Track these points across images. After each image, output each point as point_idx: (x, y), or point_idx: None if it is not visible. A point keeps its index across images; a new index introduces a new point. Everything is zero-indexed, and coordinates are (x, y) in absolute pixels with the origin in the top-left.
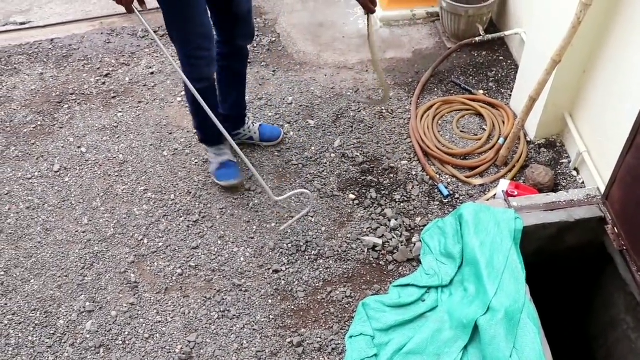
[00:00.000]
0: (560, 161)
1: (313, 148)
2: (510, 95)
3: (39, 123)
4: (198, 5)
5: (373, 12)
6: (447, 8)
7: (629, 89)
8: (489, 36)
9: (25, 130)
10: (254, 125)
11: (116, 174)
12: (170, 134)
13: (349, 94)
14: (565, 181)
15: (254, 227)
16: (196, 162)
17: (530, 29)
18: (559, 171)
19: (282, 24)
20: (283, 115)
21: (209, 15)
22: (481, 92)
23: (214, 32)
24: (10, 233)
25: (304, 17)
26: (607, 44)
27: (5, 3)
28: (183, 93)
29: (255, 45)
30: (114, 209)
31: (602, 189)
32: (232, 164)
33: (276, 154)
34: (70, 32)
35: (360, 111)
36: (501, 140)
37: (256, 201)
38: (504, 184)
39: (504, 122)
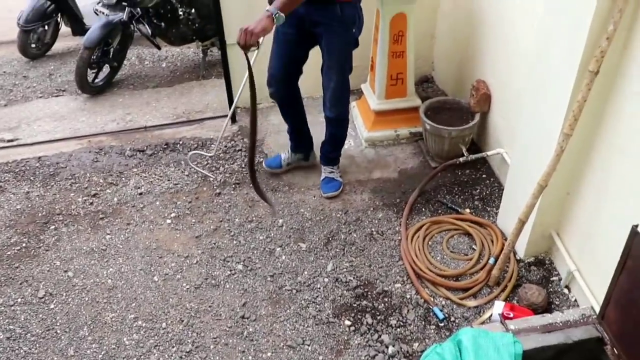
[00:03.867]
0: (551, 279)
1: (306, 272)
2: (497, 213)
3: (24, 245)
4: None
5: (239, 44)
6: (431, 130)
7: (613, 212)
8: (472, 156)
9: (9, 253)
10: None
11: (105, 300)
12: (161, 258)
13: (338, 215)
14: (557, 299)
15: (249, 357)
16: (187, 288)
17: (513, 152)
18: (551, 289)
19: (269, 144)
20: (274, 239)
21: None
22: (468, 210)
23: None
24: None
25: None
26: (589, 168)
27: None
28: (173, 215)
29: (242, 166)
30: (102, 339)
31: (597, 308)
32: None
33: (269, 279)
34: (58, 150)
35: (351, 233)
36: (492, 260)
37: (251, 329)
38: (499, 306)
39: (492, 241)
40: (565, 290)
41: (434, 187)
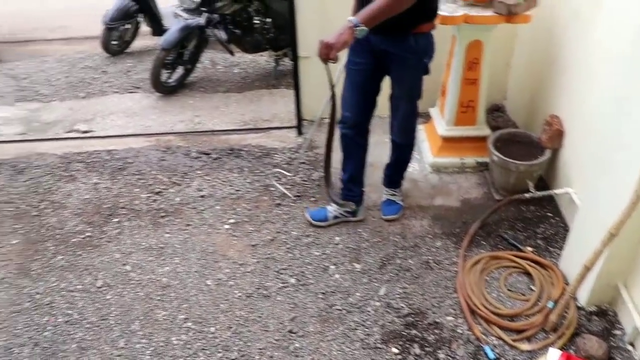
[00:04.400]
0: (614, 332)
1: (358, 294)
2: (559, 255)
3: (88, 234)
4: None
5: (320, 57)
6: (498, 162)
7: None
8: (539, 193)
9: (74, 240)
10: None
11: (158, 297)
12: (216, 262)
13: (396, 239)
14: (620, 356)
15: None
16: (239, 296)
17: (583, 194)
18: (613, 344)
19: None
20: (329, 256)
21: None
22: (529, 249)
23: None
24: (45, 347)
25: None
26: None
27: (73, 111)
28: (231, 220)
29: (305, 179)
30: (151, 335)
31: None
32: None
33: (320, 296)
34: (128, 145)
35: (407, 259)
36: (550, 304)
37: (297, 345)
38: (554, 354)
39: (553, 284)
40: (630, 347)
41: (496, 221)
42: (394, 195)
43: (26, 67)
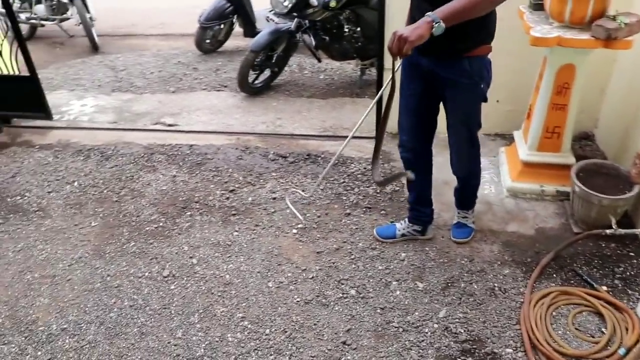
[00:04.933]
0: None
1: (417, 313)
2: (638, 299)
3: (161, 224)
4: None
5: (390, 51)
6: (580, 193)
7: None
8: (622, 230)
9: (148, 229)
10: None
11: (219, 293)
12: (279, 265)
13: (463, 261)
14: None
15: None
16: (297, 301)
17: None
18: None
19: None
20: (393, 272)
21: None
22: (605, 288)
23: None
24: (109, 327)
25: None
26: None
27: (162, 104)
28: (300, 226)
29: (377, 191)
30: (208, 329)
31: None
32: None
33: (378, 311)
34: (209, 142)
35: (472, 284)
36: (622, 351)
37: (349, 357)
38: None
39: (627, 329)
40: None
41: (572, 254)
42: (466, 217)
43: (125, 60)
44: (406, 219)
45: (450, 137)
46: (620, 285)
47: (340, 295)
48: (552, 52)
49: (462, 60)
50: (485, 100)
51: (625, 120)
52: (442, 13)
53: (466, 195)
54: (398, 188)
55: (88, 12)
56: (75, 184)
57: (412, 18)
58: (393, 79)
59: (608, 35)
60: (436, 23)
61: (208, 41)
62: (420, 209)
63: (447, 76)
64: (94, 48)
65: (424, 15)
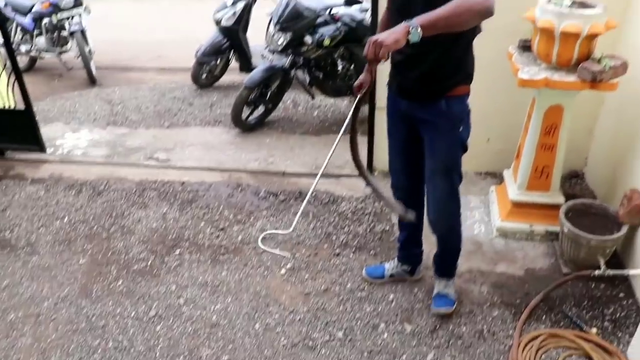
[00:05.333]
0: None
1: (404, 357)
2: (629, 342)
3: (150, 262)
4: None
5: (366, 57)
6: (568, 233)
7: None
8: (611, 272)
9: (136, 267)
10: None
11: (205, 335)
12: (267, 306)
13: None
14: None
15: None
16: (284, 344)
17: None
18: None
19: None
20: (381, 313)
21: None
22: (594, 330)
23: None
24: None
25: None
26: None
27: (156, 139)
28: (288, 266)
29: (368, 230)
30: None
31: None
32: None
33: (365, 354)
34: (201, 178)
35: (460, 326)
36: None
37: None
38: None
39: None
40: None
41: (561, 296)
42: (447, 287)
43: (122, 93)
44: (395, 259)
45: (428, 186)
46: (610, 327)
47: (328, 338)
48: (540, 93)
49: (439, 101)
50: (465, 149)
51: (613, 160)
52: (420, 20)
53: (446, 260)
54: (388, 228)
55: (87, 45)
56: (66, 219)
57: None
58: (357, 106)
59: (594, 77)
60: (413, 28)
61: (204, 76)
62: (410, 249)
63: (425, 117)
64: (92, 81)
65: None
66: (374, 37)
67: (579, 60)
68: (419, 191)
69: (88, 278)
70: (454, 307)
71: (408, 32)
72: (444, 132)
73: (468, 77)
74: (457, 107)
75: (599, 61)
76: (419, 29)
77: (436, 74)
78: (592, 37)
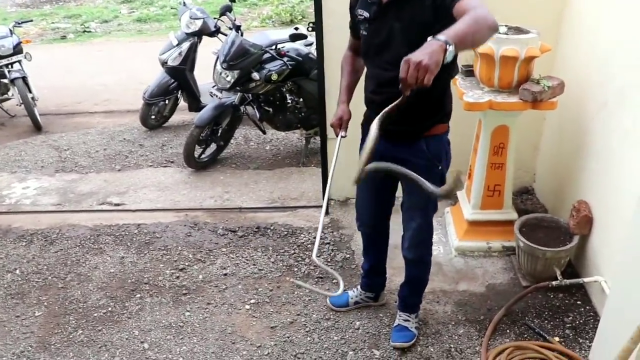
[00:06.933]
0: None
1: None
2: (590, 347)
3: (110, 309)
4: None
5: (404, 81)
6: (524, 248)
7: None
8: (567, 281)
9: (96, 315)
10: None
11: None
12: (233, 343)
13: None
14: None
15: None
16: None
17: (612, 284)
18: None
19: (357, 241)
20: (348, 341)
21: None
22: (557, 339)
23: None
24: None
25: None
26: None
27: (108, 183)
28: (252, 301)
29: (328, 260)
30: None
31: None
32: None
33: None
34: (157, 220)
35: (427, 347)
36: None
37: None
38: None
39: None
40: None
41: (523, 308)
42: (408, 321)
43: (69, 139)
44: (358, 287)
45: (405, 218)
46: (571, 334)
47: None
48: (486, 115)
49: (418, 141)
50: (443, 182)
51: (559, 174)
52: (452, 36)
53: (412, 291)
54: (348, 256)
55: (30, 91)
56: (17, 271)
57: (371, 77)
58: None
59: (534, 97)
60: (449, 46)
61: (153, 117)
62: (374, 278)
63: (404, 157)
64: (37, 128)
65: (432, 39)
66: (413, 58)
67: (519, 82)
68: (385, 227)
69: (45, 330)
70: (413, 340)
71: (445, 50)
72: (424, 171)
73: (446, 116)
74: (436, 146)
75: (537, 82)
76: (453, 47)
77: (416, 115)
78: (529, 60)
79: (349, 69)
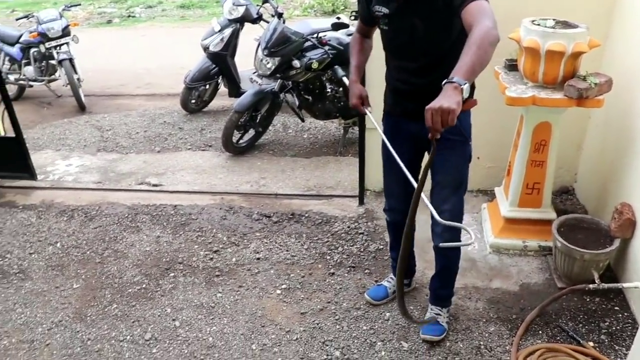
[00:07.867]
0: None
1: None
2: (626, 354)
3: (144, 286)
4: None
5: (431, 128)
6: (562, 248)
7: None
8: (605, 285)
9: (130, 290)
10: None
11: (202, 357)
12: (263, 327)
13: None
14: None
15: None
16: None
17: None
18: None
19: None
20: (377, 332)
21: None
22: (591, 344)
23: None
24: None
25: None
26: None
27: (147, 164)
28: (284, 286)
29: (362, 250)
30: None
31: None
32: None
33: None
34: (193, 202)
35: (457, 342)
36: None
37: None
38: None
39: None
40: None
41: (557, 310)
42: (439, 315)
43: (111, 120)
44: (390, 275)
45: (437, 201)
46: (606, 340)
47: (325, 357)
48: (528, 111)
49: None
50: (470, 159)
51: (602, 174)
52: (463, 74)
53: (446, 279)
54: (381, 247)
55: (76, 73)
56: (58, 245)
57: (395, 68)
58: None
59: (580, 94)
60: (463, 85)
61: (193, 101)
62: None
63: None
64: (81, 108)
65: (445, 83)
66: (435, 106)
67: (564, 78)
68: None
69: (82, 302)
70: (444, 334)
71: (462, 91)
72: (457, 147)
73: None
74: (466, 121)
75: (584, 79)
76: (467, 85)
77: None
78: (576, 55)
79: (358, 49)
